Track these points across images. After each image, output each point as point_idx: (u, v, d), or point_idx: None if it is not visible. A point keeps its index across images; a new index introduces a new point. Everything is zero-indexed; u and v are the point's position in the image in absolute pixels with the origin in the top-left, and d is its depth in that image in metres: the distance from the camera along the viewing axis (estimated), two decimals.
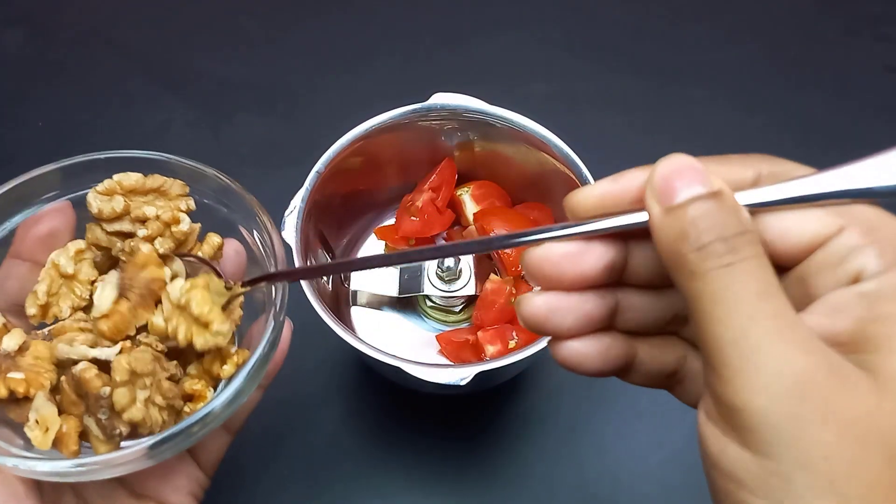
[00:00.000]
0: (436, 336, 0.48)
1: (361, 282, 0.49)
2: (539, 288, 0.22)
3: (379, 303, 0.50)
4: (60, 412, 0.29)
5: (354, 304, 0.50)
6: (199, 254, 0.31)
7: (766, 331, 0.18)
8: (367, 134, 0.44)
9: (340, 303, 0.50)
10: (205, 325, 0.28)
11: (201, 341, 0.28)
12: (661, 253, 0.20)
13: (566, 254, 0.21)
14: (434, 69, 0.66)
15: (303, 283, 0.39)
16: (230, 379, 0.29)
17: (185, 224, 0.31)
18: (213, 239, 0.32)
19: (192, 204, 0.32)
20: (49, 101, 0.65)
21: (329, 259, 0.48)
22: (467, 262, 0.47)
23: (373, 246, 0.52)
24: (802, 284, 0.20)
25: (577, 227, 0.21)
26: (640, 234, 0.21)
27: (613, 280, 0.22)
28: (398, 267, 0.49)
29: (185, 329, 0.28)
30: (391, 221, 0.52)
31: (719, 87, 0.65)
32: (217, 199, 0.33)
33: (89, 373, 0.27)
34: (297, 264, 0.40)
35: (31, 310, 0.31)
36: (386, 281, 0.48)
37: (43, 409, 0.28)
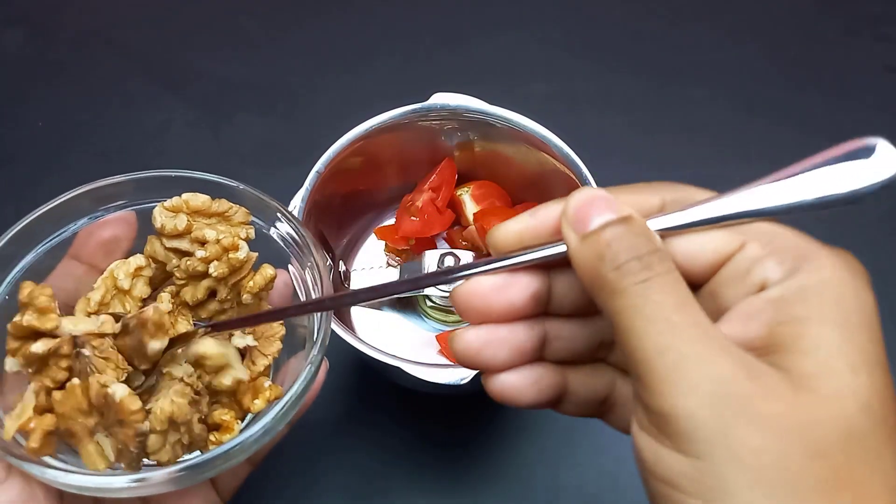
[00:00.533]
0: (436, 336, 0.48)
1: (361, 282, 0.49)
2: (468, 325, 0.23)
3: (379, 303, 0.50)
4: (47, 410, 0.28)
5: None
6: (251, 283, 0.31)
7: (687, 339, 0.19)
8: (367, 134, 0.44)
9: None
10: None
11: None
12: (581, 277, 0.21)
13: (493, 286, 0.23)
14: (434, 69, 0.66)
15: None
16: (259, 413, 0.29)
17: (243, 252, 0.31)
18: (267, 271, 0.32)
19: (252, 233, 0.32)
20: (49, 101, 0.65)
21: (329, 259, 0.48)
22: (467, 262, 0.47)
23: (373, 246, 0.52)
24: (713, 298, 0.21)
25: (500, 261, 0.23)
26: (560, 263, 0.23)
27: (540, 311, 0.23)
28: (398, 267, 0.49)
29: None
30: (391, 221, 0.52)
31: (719, 87, 0.65)
32: (277, 232, 0.34)
33: (133, 403, 0.27)
34: None
35: (80, 314, 0.31)
36: (386, 281, 0.48)
37: (27, 399, 0.28)
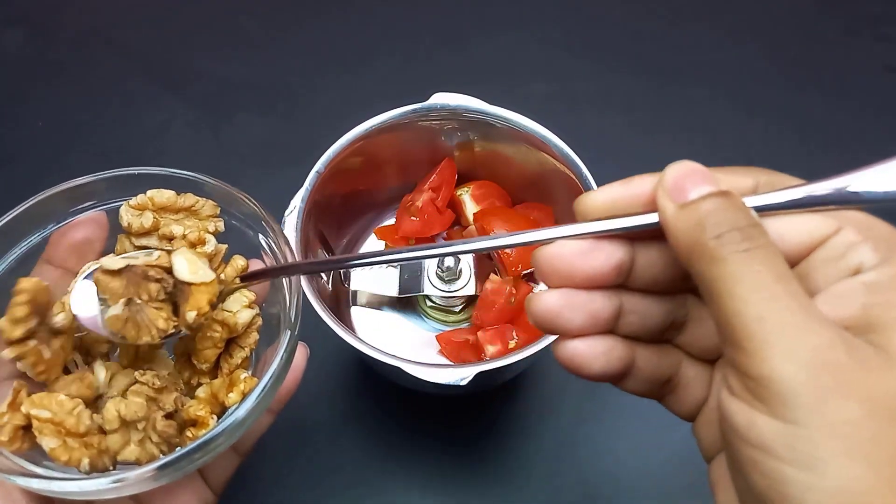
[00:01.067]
0: (436, 336, 0.48)
1: (361, 282, 0.49)
2: (544, 288, 0.23)
3: (379, 303, 0.50)
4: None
5: (354, 304, 0.50)
6: (223, 275, 0.31)
7: (787, 308, 0.19)
8: (367, 134, 0.44)
9: (340, 303, 0.50)
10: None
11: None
12: (676, 245, 0.21)
13: (578, 251, 0.23)
14: (434, 69, 0.66)
15: (303, 283, 0.38)
16: (237, 406, 0.29)
17: (211, 245, 0.31)
18: (238, 262, 0.32)
19: (220, 226, 0.32)
20: (49, 101, 0.65)
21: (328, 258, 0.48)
22: (467, 262, 0.47)
23: (373, 246, 0.52)
24: (805, 280, 0.22)
25: (589, 226, 0.23)
26: (646, 236, 0.23)
27: (619, 282, 0.23)
28: (398, 267, 0.49)
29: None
30: (391, 221, 0.52)
31: (719, 87, 0.65)
32: (245, 223, 0.33)
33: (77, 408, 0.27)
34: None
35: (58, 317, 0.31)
36: (386, 281, 0.48)
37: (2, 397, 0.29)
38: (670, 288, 0.24)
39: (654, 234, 0.22)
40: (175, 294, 0.29)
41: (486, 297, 0.45)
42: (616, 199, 0.23)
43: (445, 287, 0.46)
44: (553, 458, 0.48)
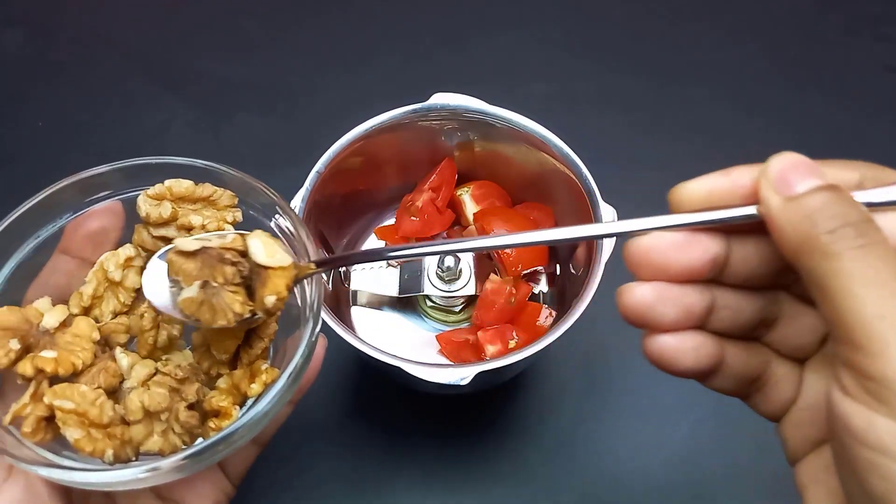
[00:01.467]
0: (436, 336, 0.48)
1: (361, 282, 0.49)
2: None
3: (379, 303, 0.50)
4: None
5: (354, 304, 0.50)
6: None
7: None
8: (367, 134, 0.44)
9: (340, 303, 0.50)
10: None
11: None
12: (783, 240, 0.20)
13: (673, 243, 0.22)
14: (434, 69, 0.66)
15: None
16: (259, 397, 0.29)
17: (230, 236, 0.31)
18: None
19: (238, 216, 0.32)
20: (49, 101, 0.65)
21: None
22: (467, 262, 0.47)
23: (373, 246, 0.52)
24: None
25: (686, 217, 0.22)
26: (742, 230, 0.22)
27: (713, 276, 0.23)
28: (398, 267, 0.49)
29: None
30: (391, 221, 0.52)
31: (719, 87, 0.65)
32: (263, 213, 0.33)
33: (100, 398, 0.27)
34: None
35: (74, 309, 0.31)
36: (386, 281, 0.48)
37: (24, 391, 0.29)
38: (764, 284, 0.23)
39: (752, 228, 0.22)
40: (249, 278, 0.28)
41: (486, 297, 0.45)
42: (713, 189, 0.22)
43: (445, 287, 0.46)
44: (553, 458, 0.48)
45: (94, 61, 0.68)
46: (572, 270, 0.47)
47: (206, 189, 0.32)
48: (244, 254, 0.28)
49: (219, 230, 0.31)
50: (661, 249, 0.22)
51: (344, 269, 0.50)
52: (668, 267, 0.22)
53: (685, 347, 0.23)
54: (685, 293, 0.22)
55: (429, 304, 0.49)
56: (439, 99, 0.45)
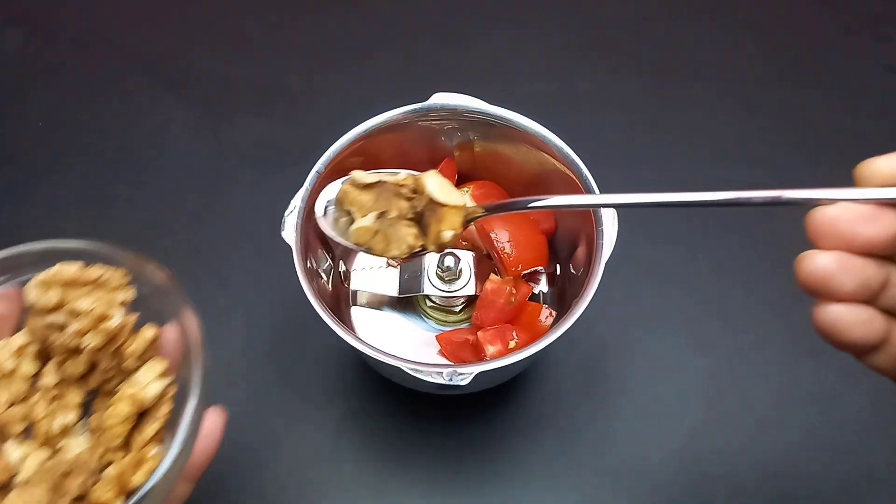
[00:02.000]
0: (436, 336, 0.48)
1: (361, 282, 0.49)
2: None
3: (379, 303, 0.50)
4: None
5: (354, 304, 0.50)
6: (131, 348, 0.30)
7: None
8: (367, 134, 0.44)
9: (340, 303, 0.50)
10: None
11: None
12: None
13: (861, 215, 0.22)
14: (434, 69, 0.66)
15: (302, 283, 0.38)
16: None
17: (117, 319, 0.30)
18: (146, 333, 0.31)
19: (130, 295, 0.31)
20: (49, 101, 0.65)
21: (329, 259, 0.48)
22: (467, 261, 0.47)
23: None
24: None
25: (876, 192, 0.22)
26: None
27: (891, 252, 0.23)
28: (398, 267, 0.49)
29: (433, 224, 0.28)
30: None
31: (719, 87, 0.65)
32: (158, 290, 0.32)
33: None
34: (296, 264, 0.40)
35: None
36: (386, 281, 0.48)
37: None
38: None
39: None
40: (421, 214, 0.29)
41: (486, 297, 0.45)
42: None
43: (445, 287, 0.46)
44: (553, 458, 0.48)
45: (94, 61, 0.68)
46: (572, 270, 0.47)
47: (94, 271, 0.31)
48: (415, 192, 0.29)
49: (105, 316, 0.29)
50: (850, 221, 0.22)
51: (344, 268, 0.50)
52: (854, 239, 0.22)
53: (856, 320, 0.23)
54: (865, 266, 0.22)
55: (429, 304, 0.49)
56: (439, 99, 0.45)
